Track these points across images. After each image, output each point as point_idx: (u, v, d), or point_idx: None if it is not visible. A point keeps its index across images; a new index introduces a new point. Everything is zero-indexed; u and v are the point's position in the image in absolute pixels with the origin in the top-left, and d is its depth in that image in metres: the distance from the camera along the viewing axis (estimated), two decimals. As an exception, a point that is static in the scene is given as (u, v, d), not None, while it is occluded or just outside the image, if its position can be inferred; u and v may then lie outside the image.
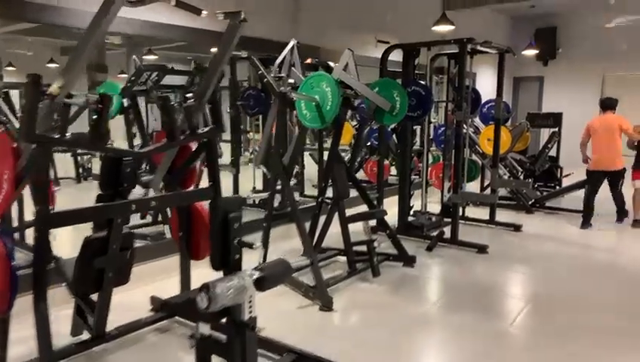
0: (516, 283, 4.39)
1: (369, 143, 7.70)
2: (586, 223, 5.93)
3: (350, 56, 4.33)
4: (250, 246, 2.14)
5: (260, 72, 3.82)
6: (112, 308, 2.74)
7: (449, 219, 6.05)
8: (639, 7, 9.67)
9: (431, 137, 6.32)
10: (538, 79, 11.14)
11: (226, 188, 6.26)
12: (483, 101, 7.29)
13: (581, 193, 6.56)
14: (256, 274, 2.12)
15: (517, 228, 5.83)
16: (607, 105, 6.13)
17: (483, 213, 6.16)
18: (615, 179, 5.90)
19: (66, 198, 3.81)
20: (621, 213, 6.05)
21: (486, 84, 9.70)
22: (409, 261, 4.51)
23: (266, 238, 4.20)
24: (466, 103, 5.76)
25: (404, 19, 6.99)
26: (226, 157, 6.10)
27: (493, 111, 7.03)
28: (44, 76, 2.13)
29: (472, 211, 6.32)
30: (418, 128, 6.59)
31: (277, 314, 3.68)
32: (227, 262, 2.15)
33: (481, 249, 4.95)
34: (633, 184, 5.88)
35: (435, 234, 5.26)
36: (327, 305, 3.52)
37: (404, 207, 5.48)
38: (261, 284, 2.15)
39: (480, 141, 6.81)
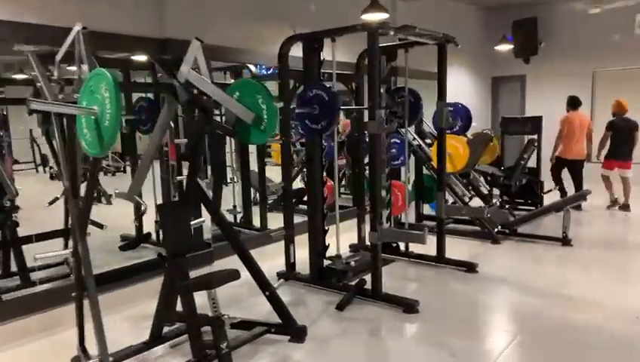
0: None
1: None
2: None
3: (199, 49, 3.10)
4: None
5: (33, 73, 2.56)
6: None
7: (391, 256, 4.83)
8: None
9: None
10: (519, 79, 9.81)
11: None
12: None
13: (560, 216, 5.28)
14: None
15: (470, 268, 4.48)
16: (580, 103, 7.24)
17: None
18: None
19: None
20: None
21: (456, 85, 8.41)
22: (297, 334, 3.20)
23: (79, 315, 2.92)
24: (391, 110, 4.53)
25: (334, 9, 5.71)
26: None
27: (451, 118, 5.82)
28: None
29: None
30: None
31: None
32: None
33: (409, 307, 3.63)
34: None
35: (354, 283, 3.96)
36: None
37: (316, 246, 4.18)
38: None
39: (433, 155, 5.51)
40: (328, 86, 3.78)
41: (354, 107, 4.75)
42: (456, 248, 5.24)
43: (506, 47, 8.30)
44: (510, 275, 4.41)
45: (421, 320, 3.53)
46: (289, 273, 4.32)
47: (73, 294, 2.91)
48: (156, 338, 3.10)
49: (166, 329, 3.18)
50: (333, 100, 3.72)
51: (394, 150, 5.34)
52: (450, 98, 6.92)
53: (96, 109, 2.27)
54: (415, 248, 4.91)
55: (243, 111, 2.98)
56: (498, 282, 4.26)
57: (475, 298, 3.94)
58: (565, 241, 5.23)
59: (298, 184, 6.50)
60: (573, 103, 7.20)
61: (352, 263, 4.07)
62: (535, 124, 7.07)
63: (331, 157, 6.05)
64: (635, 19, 8.36)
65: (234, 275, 2.72)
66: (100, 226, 4.21)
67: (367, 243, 4.70)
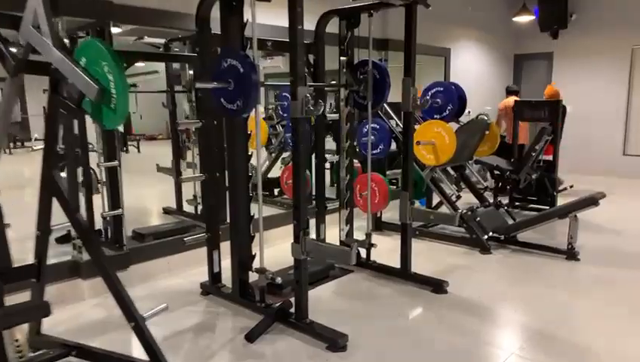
0: None
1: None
2: None
3: (40, 2, 2.33)
4: None
5: None
6: None
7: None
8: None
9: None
10: (546, 56, 8.59)
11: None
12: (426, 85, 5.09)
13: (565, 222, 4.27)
14: None
15: (437, 288, 3.59)
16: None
17: (422, 247, 3.90)
18: None
19: None
20: None
21: (473, 64, 7.37)
22: (168, 381, 2.44)
23: None
24: (352, 88, 3.65)
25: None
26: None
27: (440, 101, 4.91)
28: None
29: (388, 246, 4.09)
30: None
31: None
32: None
33: (333, 344, 2.81)
34: None
35: (278, 304, 3.17)
36: None
37: (239, 255, 3.39)
38: None
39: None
40: (244, 55, 2.93)
41: (278, 83, 3.87)
42: (435, 257, 4.38)
43: (525, 19, 7.14)
44: (488, 300, 3.49)
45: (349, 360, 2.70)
46: (212, 286, 3.57)
47: None
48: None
49: None
50: (250, 73, 2.86)
51: (372, 137, 4.47)
52: (466, 78, 5.97)
53: None
54: (379, 257, 4.07)
55: (85, 83, 2.19)
56: (469, 310, 3.34)
57: (431, 333, 3.05)
58: (570, 255, 4.25)
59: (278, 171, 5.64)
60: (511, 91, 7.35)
61: (278, 279, 3.25)
62: (552, 109, 5.98)
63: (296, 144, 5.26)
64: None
65: (42, 310, 1.97)
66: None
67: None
